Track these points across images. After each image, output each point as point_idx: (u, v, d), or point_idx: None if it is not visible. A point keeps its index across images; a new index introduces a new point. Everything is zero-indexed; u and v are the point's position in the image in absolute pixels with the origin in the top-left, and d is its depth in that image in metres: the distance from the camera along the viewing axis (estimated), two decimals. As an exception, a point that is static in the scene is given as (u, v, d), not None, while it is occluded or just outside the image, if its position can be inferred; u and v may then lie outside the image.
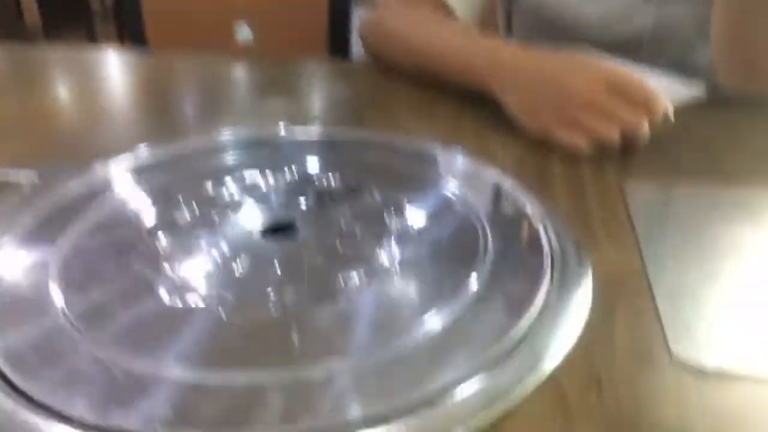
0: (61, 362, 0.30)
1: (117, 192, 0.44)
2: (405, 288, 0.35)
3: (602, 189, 0.47)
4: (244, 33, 1.00)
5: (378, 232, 0.40)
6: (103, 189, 0.44)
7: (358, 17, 1.01)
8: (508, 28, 0.84)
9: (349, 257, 0.37)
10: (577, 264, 0.37)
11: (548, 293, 0.34)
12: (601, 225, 0.42)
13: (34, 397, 0.27)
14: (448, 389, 0.28)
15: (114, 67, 0.79)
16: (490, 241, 0.39)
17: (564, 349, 0.31)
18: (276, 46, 0.94)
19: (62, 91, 0.71)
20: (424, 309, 0.33)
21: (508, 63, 0.58)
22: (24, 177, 0.45)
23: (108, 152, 0.49)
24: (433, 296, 0.34)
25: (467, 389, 0.28)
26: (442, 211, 0.44)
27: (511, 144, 0.53)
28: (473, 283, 0.35)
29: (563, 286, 0.35)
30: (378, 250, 0.38)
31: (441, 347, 0.31)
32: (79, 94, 0.70)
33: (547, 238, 0.39)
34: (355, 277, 0.35)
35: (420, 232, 0.40)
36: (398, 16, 0.71)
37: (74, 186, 0.44)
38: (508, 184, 0.46)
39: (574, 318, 0.33)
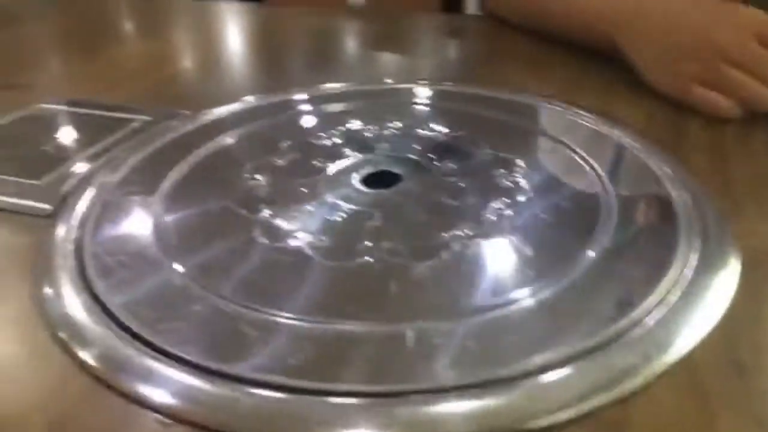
0: (168, 305, 0.29)
1: (222, 136, 0.43)
2: (514, 250, 0.32)
3: (749, 154, 0.41)
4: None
5: (487, 190, 0.36)
6: (209, 133, 0.44)
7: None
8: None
9: (454, 214, 0.34)
10: (719, 237, 0.32)
11: (683, 268, 0.29)
12: (748, 195, 0.36)
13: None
14: (557, 363, 0.24)
15: (229, 19, 0.80)
16: (613, 207, 0.34)
17: (701, 330, 0.27)
18: (388, 7, 0.91)
19: (180, 39, 0.72)
20: (534, 274, 0.30)
21: (635, 11, 0.52)
22: (138, 117, 0.46)
23: (218, 100, 0.49)
24: (546, 262, 0.31)
25: (580, 365, 0.24)
26: (559, 172, 0.40)
27: (639, 103, 0.48)
28: (592, 250, 0.31)
29: (702, 260, 0.30)
30: (486, 209, 0.34)
31: (551, 316, 0.27)
32: (194, 43, 0.71)
33: (682, 206, 0.34)
34: (459, 234, 0.32)
35: (534, 192, 0.36)
36: None
37: (183, 128, 0.44)
38: (636, 145, 0.41)
39: (714, 296, 0.28)
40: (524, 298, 0.28)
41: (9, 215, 0.36)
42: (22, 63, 0.63)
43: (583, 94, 0.49)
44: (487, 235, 0.32)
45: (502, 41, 0.65)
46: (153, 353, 0.25)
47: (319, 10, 0.77)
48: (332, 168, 0.39)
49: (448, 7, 0.89)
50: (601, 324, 0.26)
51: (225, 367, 0.24)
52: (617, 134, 0.42)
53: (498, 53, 0.63)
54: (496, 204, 0.35)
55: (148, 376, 0.25)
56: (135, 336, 0.26)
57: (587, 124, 0.44)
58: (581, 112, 0.45)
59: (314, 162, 0.39)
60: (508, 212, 0.34)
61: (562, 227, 0.34)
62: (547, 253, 0.31)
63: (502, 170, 0.38)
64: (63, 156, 0.41)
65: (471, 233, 0.32)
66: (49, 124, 0.46)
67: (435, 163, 0.39)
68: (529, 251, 0.32)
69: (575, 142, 0.41)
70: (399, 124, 0.44)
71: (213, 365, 0.25)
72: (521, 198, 0.35)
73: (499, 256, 0.31)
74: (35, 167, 0.39)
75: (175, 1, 0.85)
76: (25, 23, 0.76)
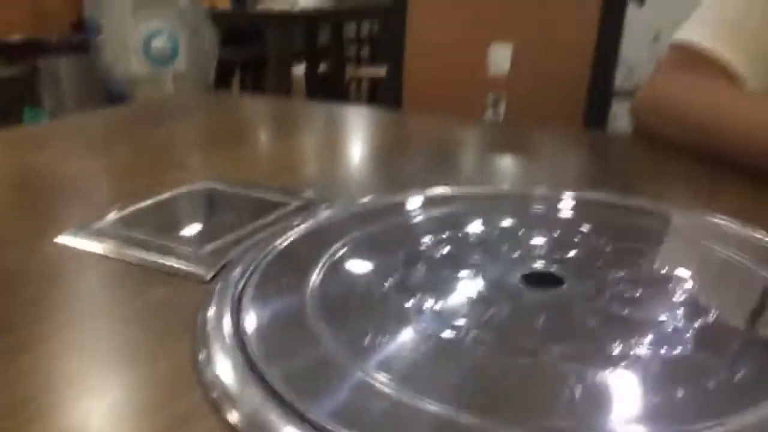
0: (323, 379, 0.28)
1: (369, 226, 0.43)
2: (707, 367, 0.28)
3: None
4: (493, 113, 1.00)
5: (660, 301, 0.33)
6: (364, 217, 0.44)
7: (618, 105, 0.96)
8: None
9: (627, 324, 0.31)
10: None
11: None
12: None
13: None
14: None
15: (360, 123, 0.84)
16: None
17: None
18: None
19: (313, 139, 0.76)
20: (734, 396, 0.26)
21: None
22: (292, 202, 0.47)
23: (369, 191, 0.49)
24: (746, 383, 0.27)
25: None
26: (731, 283, 0.36)
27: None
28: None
29: None
30: (661, 321, 0.31)
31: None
32: (327, 142, 0.75)
33: None
34: (637, 343, 0.29)
35: (709, 303, 0.33)
36: (676, 89, 0.64)
37: (337, 215, 0.45)
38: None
39: None
40: (731, 422, 0.24)
41: (170, 278, 0.37)
42: (187, 150, 0.69)
43: (759, 216, 0.45)
44: (670, 349, 0.29)
45: (648, 155, 0.63)
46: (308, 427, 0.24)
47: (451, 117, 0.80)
48: (489, 263, 0.37)
49: (591, 125, 0.88)
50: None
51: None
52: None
53: (645, 167, 0.61)
54: (671, 313, 0.32)
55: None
56: (290, 407, 0.25)
57: (755, 238, 0.40)
58: (749, 228, 0.41)
59: (471, 255, 0.38)
60: (687, 323, 0.31)
61: (754, 343, 0.30)
62: (746, 372, 0.27)
63: (670, 281, 0.35)
64: (224, 228, 0.42)
65: (650, 345, 0.29)
66: (212, 200, 0.49)
67: (599, 269, 0.36)
68: (722, 370, 0.28)
69: (741, 254, 0.37)
70: (555, 228, 0.43)
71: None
72: (698, 309, 0.32)
73: (688, 373, 0.28)
74: (199, 236, 0.41)
75: (311, 107, 0.91)
76: (190, 118, 0.83)
